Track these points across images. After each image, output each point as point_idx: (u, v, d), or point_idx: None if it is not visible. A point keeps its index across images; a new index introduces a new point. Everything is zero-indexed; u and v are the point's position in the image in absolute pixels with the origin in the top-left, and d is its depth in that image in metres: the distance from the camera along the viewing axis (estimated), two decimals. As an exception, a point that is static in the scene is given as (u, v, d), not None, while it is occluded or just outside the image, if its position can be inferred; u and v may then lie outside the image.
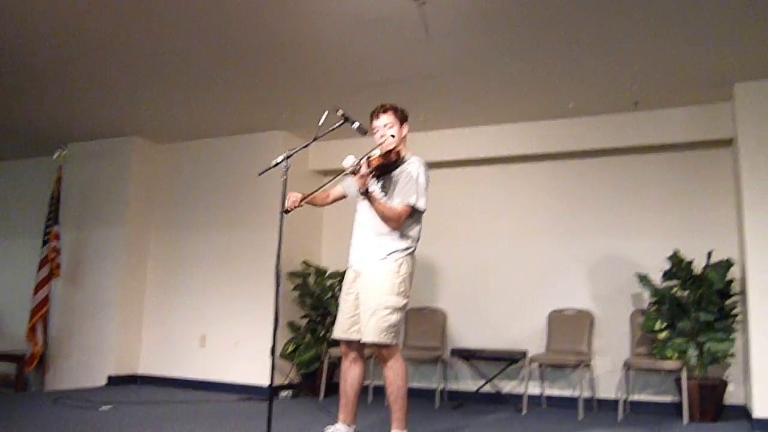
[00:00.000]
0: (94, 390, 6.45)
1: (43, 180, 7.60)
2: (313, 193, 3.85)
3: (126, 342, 7.03)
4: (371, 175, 3.52)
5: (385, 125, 3.68)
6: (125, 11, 4.27)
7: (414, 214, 3.66)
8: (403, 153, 3.65)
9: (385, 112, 3.70)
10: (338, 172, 3.60)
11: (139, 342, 7.19)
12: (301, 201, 3.72)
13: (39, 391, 6.91)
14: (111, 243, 7.13)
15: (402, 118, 3.74)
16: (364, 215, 3.70)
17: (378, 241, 3.63)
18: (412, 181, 3.62)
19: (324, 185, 3.93)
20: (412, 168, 3.66)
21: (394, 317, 3.57)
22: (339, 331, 3.74)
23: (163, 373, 7.01)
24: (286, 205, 3.64)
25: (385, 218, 3.56)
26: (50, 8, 4.23)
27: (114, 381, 6.81)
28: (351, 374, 3.76)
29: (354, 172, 3.33)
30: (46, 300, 6.82)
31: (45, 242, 6.93)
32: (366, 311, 3.57)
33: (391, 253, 3.61)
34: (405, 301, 3.64)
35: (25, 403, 5.60)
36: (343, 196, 4.00)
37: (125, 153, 7.26)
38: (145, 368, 7.15)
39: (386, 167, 3.58)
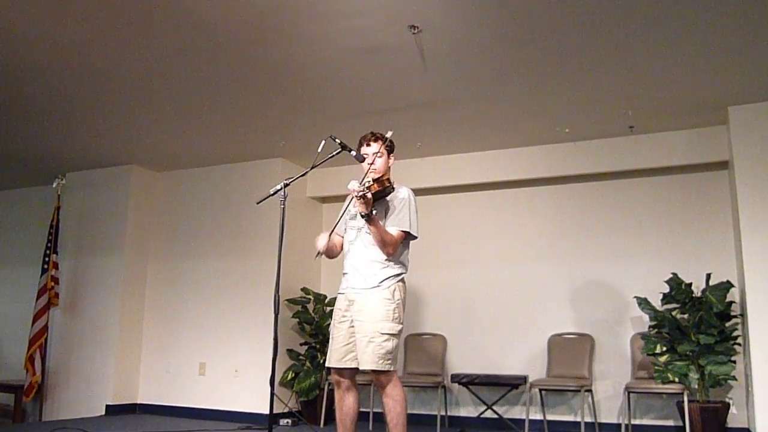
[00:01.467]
0: (93, 420, 6.40)
1: (42, 209, 7.63)
2: (331, 231, 3.84)
3: (125, 371, 6.99)
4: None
5: (374, 153, 3.72)
6: (123, 42, 4.31)
7: (405, 240, 3.69)
8: (392, 181, 3.69)
9: (375, 140, 3.75)
10: (335, 199, 3.62)
11: (137, 371, 7.16)
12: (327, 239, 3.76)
13: (37, 422, 6.85)
14: (109, 271, 7.12)
15: (390, 149, 3.79)
16: (357, 243, 3.71)
17: (371, 268, 3.63)
18: (405, 208, 3.66)
19: (335, 227, 3.91)
20: (403, 195, 3.70)
21: (391, 344, 3.56)
22: (333, 360, 3.70)
23: (162, 401, 6.96)
24: (319, 248, 3.70)
25: (384, 243, 3.57)
26: (48, 40, 4.27)
27: (113, 410, 6.76)
28: (346, 403, 3.73)
29: (363, 196, 3.35)
30: (44, 329, 6.80)
31: (44, 271, 6.93)
32: (362, 339, 3.56)
33: (384, 279, 3.61)
34: (400, 327, 3.63)
35: (22, 435, 5.56)
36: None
37: (123, 182, 7.28)
38: (144, 397, 7.10)
39: (380, 193, 3.61)
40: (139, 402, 7.09)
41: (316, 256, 3.76)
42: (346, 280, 3.74)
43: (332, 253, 3.91)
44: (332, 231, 3.81)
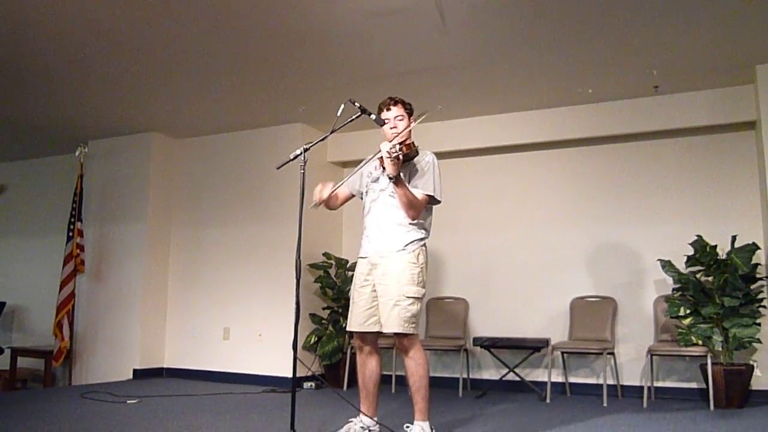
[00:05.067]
0: (121, 384, 6.54)
1: (66, 178, 7.71)
2: (337, 187, 3.86)
3: (150, 336, 7.11)
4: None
5: (395, 117, 3.71)
6: (140, 9, 4.29)
7: (428, 204, 3.68)
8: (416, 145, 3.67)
9: (395, 104, 3.74)
10: (356, 164, 3.62)
11: (163, 336, 7.27)
12: (332, 191, 3.77)
13: (66, 386, 7.01)
14: (133, 238, 7.21)
15: (410, 112, 3.78)
16: (381, 206, 3.70)
17: (395, 231, 3.64)
18: (430, 172, 3.66)
19: (344, 181, 3.93)
20: (429, 159, 3.70)
21: (415, 307, 3.58)
22: (355, 324, 3.73)
23: (187, 366, 7.09)
24: (314, 199, 3.72)
25: (409, 205, 3.57)
26: (66, 8, 4.26)
27: (140, 374, 6.90)
28: (369, 367, 3.77)
29: (397, 157, 3.34)
30: (71, 296, 6.92)
31: (69, 239, 7.02)
32: (387, 302, 3.57)
33: (409, 243, 3.62)
34: (424, 291, 3.66)
35: (53, 398, 5.69)
36: (351, 196, 4.00)
37: (145, 149, 7.32)
38: (170, 361, 7.23)
39: (406, 156, 3.59)
40: (165, 366, 7.22)
41: (313, 206, 3.76)
42: (369, 243, 3.75)
43: (332, 204, 3.96)
44: (340, 184, 3.84)
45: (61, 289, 6.91)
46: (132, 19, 4.46)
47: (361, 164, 3.77)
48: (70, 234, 7.02)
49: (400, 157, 3.36)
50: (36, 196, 8.51)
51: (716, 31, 4.59)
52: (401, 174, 3.51)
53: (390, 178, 3.47)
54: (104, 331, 7.17)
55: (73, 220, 7.06)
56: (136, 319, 7.02)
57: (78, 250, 6.97)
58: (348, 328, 3.84)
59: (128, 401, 5.30)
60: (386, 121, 3.73)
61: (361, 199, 3.93)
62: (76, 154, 7.19)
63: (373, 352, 3.78)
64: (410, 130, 3.75)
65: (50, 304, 7.04)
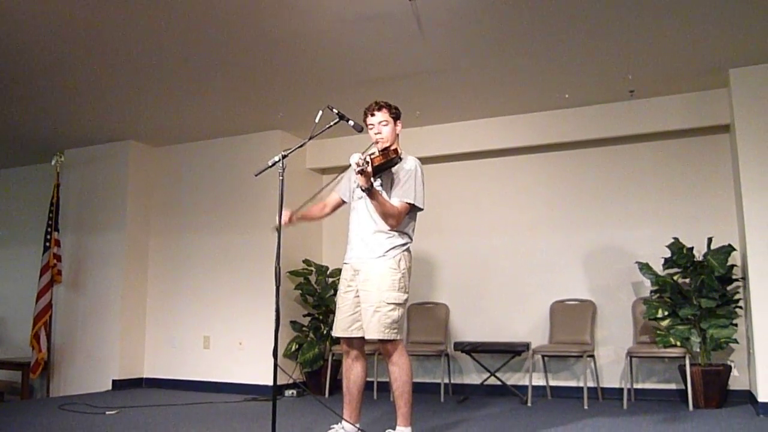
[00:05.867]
0: (100, 395, 6.47)
1: (42, 187, 7.62)
2: (303, 206, 3.83)
3: (130, 346, 7.04)
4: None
5: (380, 122, 3.69)
6: (117, 16, 4.26)
7: (411, 211, 3.68)
8: (399, 151, 3.66)
9: (380, 109, 3.70)
10: (335, 170, 3.61)
11: (142, 345, 7.21)
12: (291, 217, 3.74)
13: (44, 398, 6.92)
14: (111, 247, 7.14)
15: (396, 116, 3.75)
16: (362, 213, 3.71)
17: (376, 238, 3.64)
18: (411, 180, 3.64)
19: (314, 196, 3.92)
20: (410, 166, 3.68)
21: (397, 313, 3.58)
22: (340, 330, 3.74)
23: (167, 375, 7.02)
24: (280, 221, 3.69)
25: (386, 215, 3.57)
26: (44, 15, 4.22)
27: (119, 385, 6.82)
28: (354, 372, 3.77)
29: (362, 171, 3.32)
30: (48, 306, 6.84)
31: (46, 249, 6.95)
32: (368, 308, 3.58)
33: (390, 249, 3.62)
34: (406, 296, 3.65)
35: (30, 411, 5.61)
36: (341, 203, 3.98)
37: (122, 157, 7.26)
38: (149, 371, 7.16)
39: (385, 165, 3.59)
40: (145, 376, 7.15)
41: (275, 228, 3.63)
42: (351, 249, 3.75)
43: (317, 213, 3.97)
44: (304, 204, 3.82)
45: (37, 299, 6.82)
46: (109, 27, 4.42)
47: (343, 173, 3.76)
48: (47, 244, 6.95)
49: (367, 170, 3.34)
50: (12, 205, 8.40)
51: (690, 36, 4.65)
52: (377, 184, 3.51)
53: (363, 190, 3.46)
54: (82, 342, 7.09)
55: (49, 229, 6.98)
56: (115, 329, 6.94)
57: (55, 260, 6.90)
58: (333, 334, 3.85)
59: (107, 412, 5.25)
60: (370, 126, 3.72)
61: (344, 203, 3.95)
62: (53, 163, 7.12)
63: (359, 357, 3.78)
64: (397, 134, 3.74)
65: (27, 315, 6.96)
